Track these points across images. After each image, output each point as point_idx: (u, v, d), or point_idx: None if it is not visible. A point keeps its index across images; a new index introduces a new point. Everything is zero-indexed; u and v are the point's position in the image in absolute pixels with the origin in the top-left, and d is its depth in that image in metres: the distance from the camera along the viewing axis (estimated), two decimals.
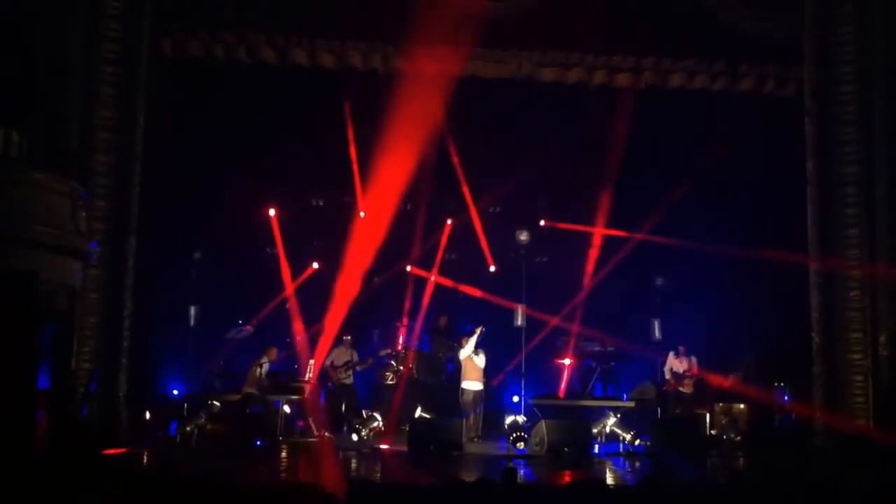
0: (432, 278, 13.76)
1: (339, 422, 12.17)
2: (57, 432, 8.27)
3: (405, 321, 13.46)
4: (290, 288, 13.31)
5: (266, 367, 11.79)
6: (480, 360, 11.66)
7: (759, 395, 11.92)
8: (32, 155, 8.87)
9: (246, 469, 8.96)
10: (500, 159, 13.23)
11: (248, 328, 12.67)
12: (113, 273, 10.47)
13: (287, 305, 13.36)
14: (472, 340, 11.59)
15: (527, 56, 12.40)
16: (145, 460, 9.54)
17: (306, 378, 12.00)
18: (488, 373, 11.95)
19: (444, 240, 14.06)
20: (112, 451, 8.78)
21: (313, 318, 12.94)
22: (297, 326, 12.86)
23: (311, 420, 11.71)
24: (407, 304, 13.57)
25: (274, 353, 12.01)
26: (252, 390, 11.63)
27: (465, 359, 11.65)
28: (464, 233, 14.08)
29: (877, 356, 10.89)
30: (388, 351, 12.87)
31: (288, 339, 13.08)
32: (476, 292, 13.40)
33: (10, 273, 8.08)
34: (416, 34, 11.73)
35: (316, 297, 13.06)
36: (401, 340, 13.20)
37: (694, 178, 12.60)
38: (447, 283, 13.77)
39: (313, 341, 12.71)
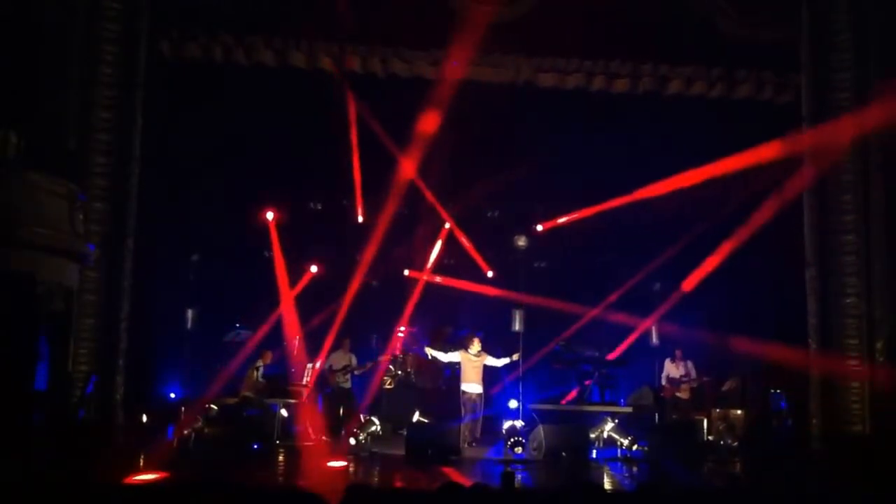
0: (425, 277, 13.79)
1: (337, 426, 12.15)
2: (54, 434, 8.22)
3: (404, 328, 13.44)
4: (286, 291, 13.26)
5: (261, 370, 11.77)
6: (489, 362, 11.65)
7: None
8: (30, 156, 8.83)
9: (243, 473, 8.92)
10: (499, 162, 13.22)
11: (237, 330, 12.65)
12: (110, 275, 10.44)
13: (280, 310, 13.31)
14: (501, 360, 11.65)
15: (525, 61, 12.43)
16: (142, 463, 9.50)
17: (304, 382, 11.98)
18: (490, 378, 11.94)
19: (438, 243, 14.09)
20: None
21: (313, 320, 12.92)
22: (293, 329, 12.80)
23: (308, 424, 11.68)
24: (408, 309, 13.55)
25: (269, 356, 11.99)
26: (249, 394, 11.61)
27: (464, 360, 11.65)
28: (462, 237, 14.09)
29: (873, 363, 10.91)
30: (387, 356, 12.84)
31: (285, 343, 13.06)
32: (475, 287, 13.42)
33: (7, 274, 8.05)
34: (416, 38, 11.78)
35: (316, 299, 13.04)
36: (399, 347, 13.17)
37: (692, 182, 12.63)
38: (446, 281, 13.79)
39: (315, 344, 12.66)
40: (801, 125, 11.51)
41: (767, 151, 11.51)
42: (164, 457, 9.12)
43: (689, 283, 12.97)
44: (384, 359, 12.82)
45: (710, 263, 12.78)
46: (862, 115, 10.82)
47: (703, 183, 12.13)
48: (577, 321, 13.10)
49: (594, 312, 13.22)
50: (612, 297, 13.39)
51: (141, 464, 8.88)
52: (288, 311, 12.92)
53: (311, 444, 11.30)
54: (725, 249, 12.65)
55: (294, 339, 12.77)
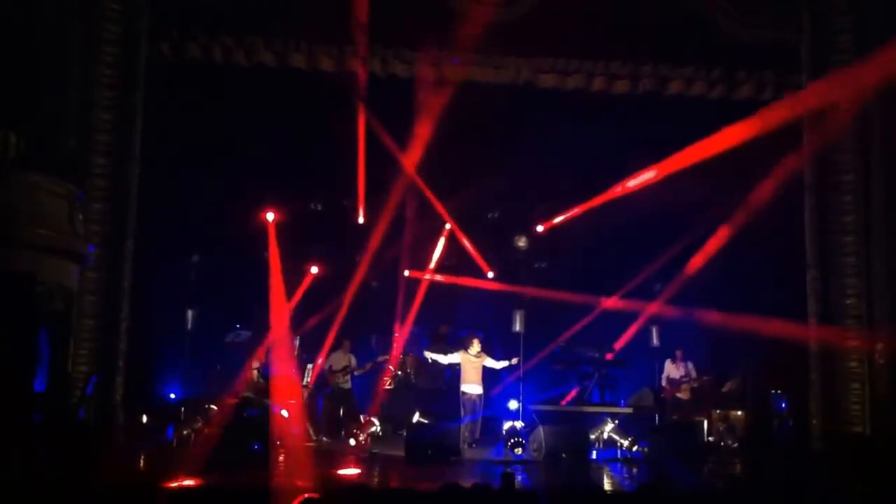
0: (426, 277, 13.78)
1: (336, 426, 12.13)
2: (54, 435, 8.22)
3: (400, 331, 13.41)
4: (279, 293, 13.19)
5: (261, 370, 11.76)
6: (488, 363, 11.64)
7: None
8: (30, 156, 8.85)
9: (242, 473, 8.92)
10: (499, 162, 13.22)
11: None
12: (110, 276, 10.46)
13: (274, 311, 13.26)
14: (501, 363, 11.64)
15: (526, 62, 12.43)
16: (142, 464, 9.50)
17: (304, 382, 11.97)
18: (490, 379, 11.93)
19: (440, 244, 14.08)
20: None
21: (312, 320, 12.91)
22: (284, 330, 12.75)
23: (308, 424, 11.67)
24: (408, 308, 13.52)
25: (262, 353, 11.99)
26: (249, 394, 11.61)
27: (464, 361, 11.65)
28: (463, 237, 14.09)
29: (873, 364, 10.92)
30: (387, 357, 12.82)
31: (274, 345, 13.02)
32: (476, 282, 13.43)
33: (7, 274, 8.05)
34: (416, 38, 11.77)
35: (316, 299, 13.03)
36: (396, 347, 13.16)
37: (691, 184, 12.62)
38: (448, 279, 13.80)
39: (314, 344, 12.63)
40: (801, 125, 11.52)
41: (769, 117, 11.37)
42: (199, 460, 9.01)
43: (692, 267, 12.96)
44: (389, 361, 12.76)
45: (712, 245, 12.75)
46: (859, 69, 10.76)
47: (702, 184, 12.12)
48: (578, 322, 13.09)
49: (597, 310, 13.20)
50: (613, 298, 13.38)
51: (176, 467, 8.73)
52: (281, 312, 12.86)
53: (311, 444, 11.29)
54: (725, 233, 12.62)
55: (287, 340, 12.74)
